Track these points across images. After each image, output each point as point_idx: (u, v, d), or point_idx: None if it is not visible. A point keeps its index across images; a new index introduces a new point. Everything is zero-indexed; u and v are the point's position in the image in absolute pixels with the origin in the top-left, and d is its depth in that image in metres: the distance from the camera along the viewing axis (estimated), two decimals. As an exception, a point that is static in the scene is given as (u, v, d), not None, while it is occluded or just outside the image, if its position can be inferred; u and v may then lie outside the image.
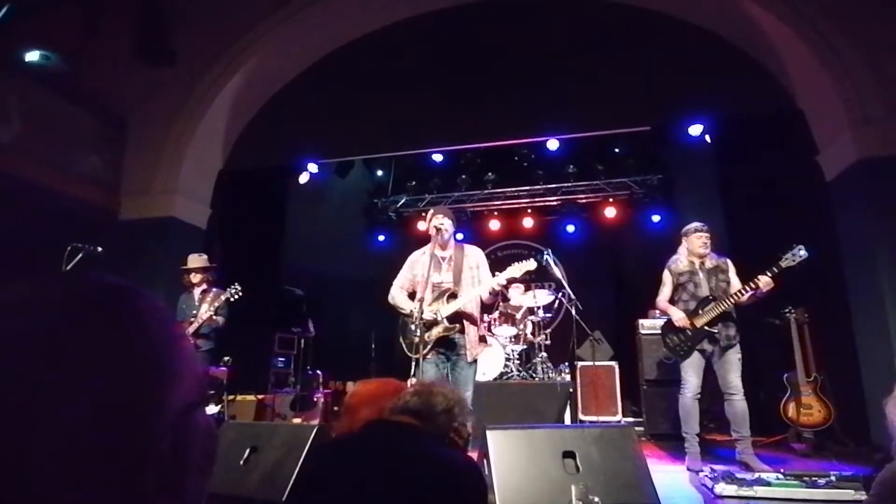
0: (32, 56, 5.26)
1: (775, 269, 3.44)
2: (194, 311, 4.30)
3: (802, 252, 3.40)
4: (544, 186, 8.01)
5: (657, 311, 4.76)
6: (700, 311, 3.64)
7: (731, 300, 3.56)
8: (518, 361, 5.92)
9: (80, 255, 3.76)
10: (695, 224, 3.83)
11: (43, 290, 0.37)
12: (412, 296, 3.38)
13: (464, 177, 8.09)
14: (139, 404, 0.35)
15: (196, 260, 4.57)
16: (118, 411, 0.34)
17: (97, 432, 0.33)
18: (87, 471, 0.32)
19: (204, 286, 4.49)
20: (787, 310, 4.53)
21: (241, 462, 2.68)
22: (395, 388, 1.64)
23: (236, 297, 4.27)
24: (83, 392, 0.33)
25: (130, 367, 0.36)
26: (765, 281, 3.45)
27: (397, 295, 3.44)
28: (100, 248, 3.86)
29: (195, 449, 0.39)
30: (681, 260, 3.85)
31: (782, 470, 3.13)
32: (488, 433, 2.40)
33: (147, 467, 0.34)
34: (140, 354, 0.37)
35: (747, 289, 3.51)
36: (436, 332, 3.18)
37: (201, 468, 0.39)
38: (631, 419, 5.61)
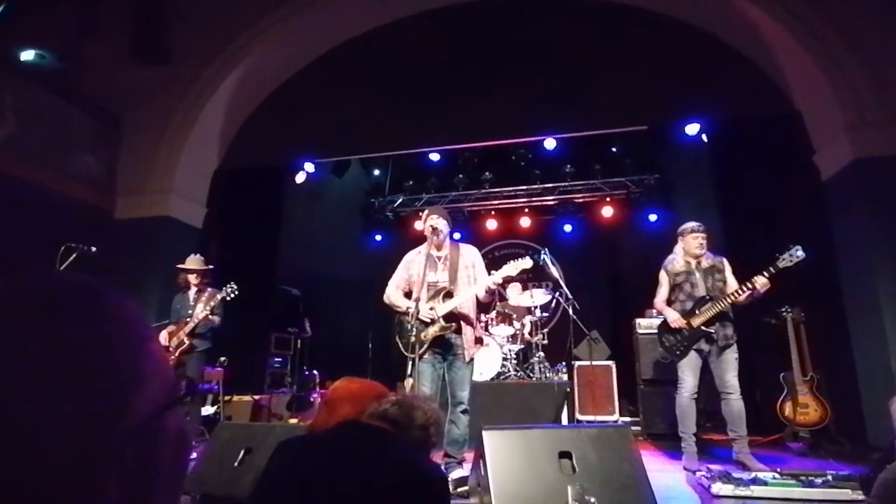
0: (28, 55, 5.23)
1: (772, 270, 3.43)
2: (189, 311, 4.28)
3: (800, 253, 3.39)
4: (541, 186, 8.00)
5: (654, 311, 4.76)
6: (697, 311, 3.63)
7: (728, 300, 3.54)
8: (515, 361, 5.91)
9: (74, 256, 3.74)
10: (691, 224, 3.82)
11: (3, 290, 0.35)
12: (408, 296, 3.37)
13: (461, 176, 8.07)
14: (99, 408, 0.33)
15: (194, 261, 4.56)
16: (76, 415, 0.32)
17: (53, 438, 0.31)
18: (43, 481, 0.30)
19: (200, 287, 4.48)
20: (783, 309, 4.53)
21: (236, 463, 2.66)
22: (379, 392, 1.63)
23: (232, 296, 4.26)
24: (38, 394, 0.31)
25: (90, 368, 0.34)
26: (762, 282, 3.43)
27: (392, 293, 3.43)
28: (94, 248, 3.84)
29: (163, 456, 0.36)
30: (677, 260, 3.84)
31: (779, 469, 3.12)
32: (484, 433, 2.38)
33: (109, 477, 0.32)
34: (101, 355, 0.35)
35: (744, 289, 3.50)
36: (432, 331, 3.17)
37: (171, 477, 0.37)
38: (628, 419, 5.61)
